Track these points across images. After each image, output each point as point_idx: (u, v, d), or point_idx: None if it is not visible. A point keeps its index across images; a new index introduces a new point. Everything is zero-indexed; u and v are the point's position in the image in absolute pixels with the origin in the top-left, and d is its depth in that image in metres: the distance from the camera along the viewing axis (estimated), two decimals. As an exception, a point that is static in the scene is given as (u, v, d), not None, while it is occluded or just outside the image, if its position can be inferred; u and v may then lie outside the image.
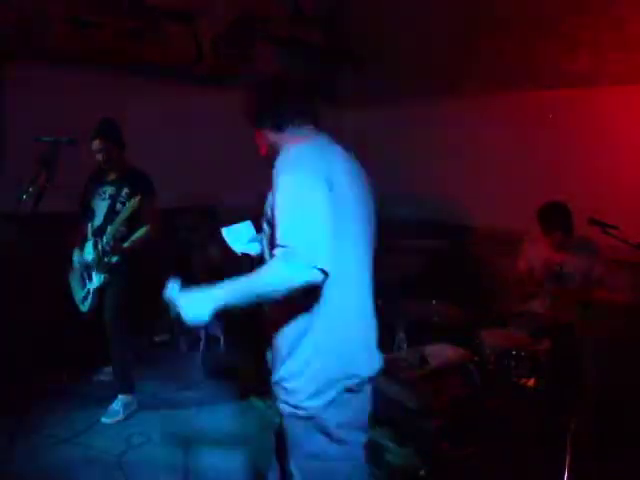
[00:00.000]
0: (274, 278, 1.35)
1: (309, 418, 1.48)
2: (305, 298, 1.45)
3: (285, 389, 1.50)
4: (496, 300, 3.85)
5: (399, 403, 2.52)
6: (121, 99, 3.96)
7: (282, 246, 1.35)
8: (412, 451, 2.48)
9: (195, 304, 1.40)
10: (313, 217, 1.38)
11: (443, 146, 4.73)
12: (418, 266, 3.17)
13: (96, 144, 3.16)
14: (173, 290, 1.47)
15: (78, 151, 2.46)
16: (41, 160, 2.20)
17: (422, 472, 2.41)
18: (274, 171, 1.47)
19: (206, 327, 1.52)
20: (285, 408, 1.50)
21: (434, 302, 3.34)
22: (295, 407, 1.48)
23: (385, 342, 3.14)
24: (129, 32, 4.32)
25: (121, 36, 4.28)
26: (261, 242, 1.66)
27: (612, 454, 2.67)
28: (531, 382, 2.79)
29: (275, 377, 1.53)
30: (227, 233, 1.86)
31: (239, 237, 1.87)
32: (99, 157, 3.19)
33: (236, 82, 4.82)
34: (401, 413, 2.52)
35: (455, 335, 3.05)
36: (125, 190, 3.21)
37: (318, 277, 1.35)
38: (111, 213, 3.17)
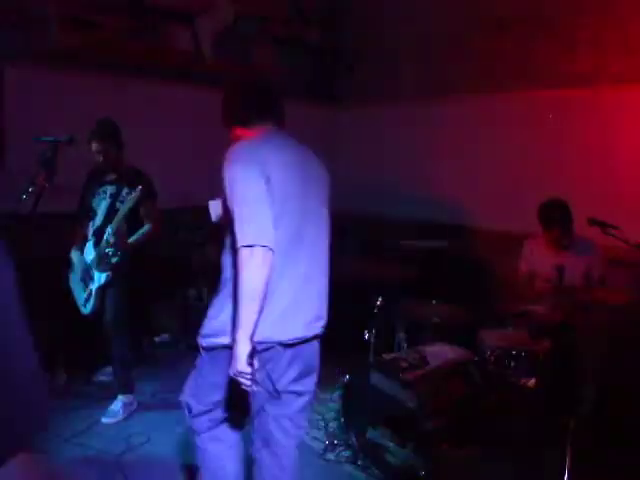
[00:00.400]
0: (251, 283, 1.60)
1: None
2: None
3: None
4: (496, 300, 3.84)
5: (399, 403, 2.52)
6: (121, 99, 3.96)
7: (243, 246, 1.60)
8: (412, 451, 2.47)
9: (240, 358, 1.61)
10: (248, 204, 1.64)
11: (443, 146, 4.74)
12: (418, 266, 3.17)
13: (94, 145, 3.15)
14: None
15: (78, 151, 2.46)
16: (41, 160, 2.20)
17: (422, 472, 2.41)
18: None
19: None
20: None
21: (434, 302, 3.34)
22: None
23: (385, 342, 3.16)
24: (129, 32, 4.32)
25: (121, 36, 4.27)
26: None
27: (612, 454, 2.67)
28: (531, 382, 2.78)
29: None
30: (212, 206, 2.00)
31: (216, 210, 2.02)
32: (98, 158, 3.19)
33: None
34: (401, 413, 2.52)
35: (455, 335, 3.05)
36: (125, 190, 3.20)
37: (266, 254, 1.61)
38: (111, 213, 3.17)
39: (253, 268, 1.58)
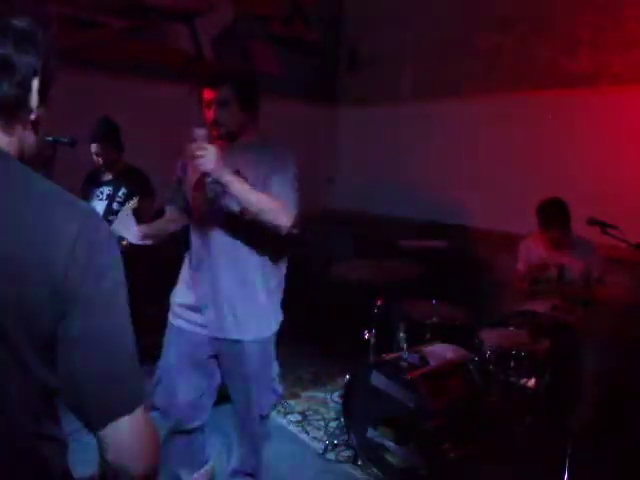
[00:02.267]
0: (275, 207, 1.89)
1: None
2: None
3: None
4: (496, 300, 3.84)
5: (399, 403, 2.52)
6: (121, 99, 3.96)
7: (286, 198, 1.95)
8: (412, 451, 2.47)
9: (218, 165, 1.77)
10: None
11: (443, 146, 4.74)
12: (418, 266, 3.16)
13: (95, 147, 3.14)
14: (204, 137, 1.79)
15: (78, 151, 2.46)
16: (41, 160, 2.20)
17: (422, 472, 2.40)
18: (275, 150, 2.07)
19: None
20: None
21: (434, 302, 3.34)
22: None
23: (385, 342, 3.15)
24: (129, 32, 4.32)
25: (121, 36, 4.27)
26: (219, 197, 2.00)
27: (612, 454, 2.67)
28: (531, 382, 2.78)
29: None
30: (116, 228, 2.05)
31: (127, 226, 2.10)
32: (98, 160, 3.18)
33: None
34: (401, 413, 2.52)
35: (455, 335, 3.05)
36: (122, 190, 3.20)
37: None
38: (109, 214, 3.17)
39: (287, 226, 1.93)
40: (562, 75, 3.95)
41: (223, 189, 1.85)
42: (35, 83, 0.80)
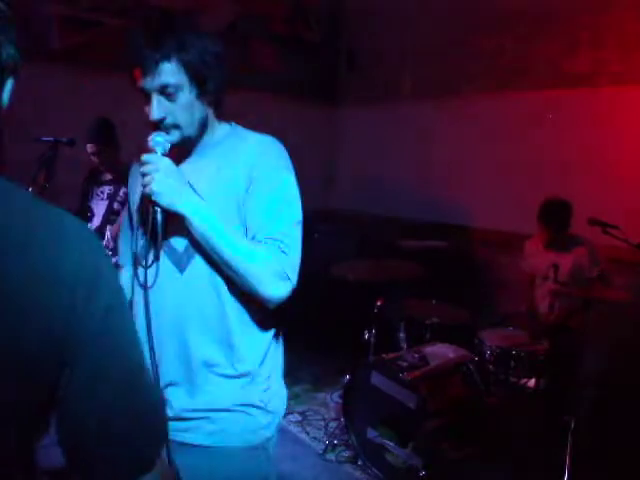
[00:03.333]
0: (253, 264, 1.19)
1: None
2: None
3: None
4: (496, 300, 3.85)
5: (399, 403, 2.52)
6: (121, 99, 3.95)
7: (276, 240, 1.23)
8: (412, 451, 2.47)
9: (173, 185, 1.20)
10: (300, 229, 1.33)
11: (443, 146, 4.74)
12: (418, 266, 3.17)
13: (90, 147, 3.14)
14: (160, 146, 1.23)
15: (78, 151, 2.46)
16: (41, 160, 2.20)
17: (422, 472, 2.41)
18: (256, 144, 1.32)
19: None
20: None
21: (434, 302, 3.35)
22: None
23: (385, 342, 3.15)
24: (129, 32, 4.32)
25: (121, 36, 4.27)
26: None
27: (612, 454, 2.67)
28: (531, 382, 2.79)
29: None
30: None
31: None
32: (94, 159, 3.19)
33: (236, 82, 4.83)
34: (401, 413, 2.52)
35: (455, 335, 3.05)
36: (123, 189, 3.20)
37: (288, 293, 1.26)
38: (110, 213, 3.17)
39: (266, 290, 1.22)
40: (562, 75, 3.95)
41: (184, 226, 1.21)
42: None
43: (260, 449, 1.32)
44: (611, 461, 2.63)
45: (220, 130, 1.37)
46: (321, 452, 2.89)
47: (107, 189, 3.24)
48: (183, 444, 1.26)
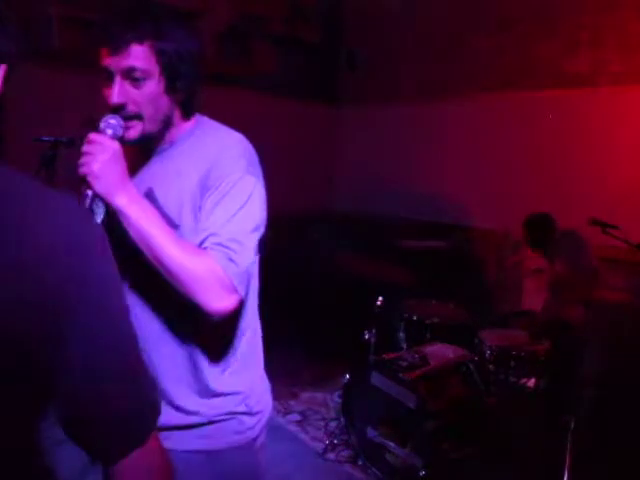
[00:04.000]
0: (197, 270, 1.06)
1: None
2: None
3: None
4: (496, 300, 3.85)
5: (399, 403, 2.52)
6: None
7: (226, 247, 1.09)
8: (412, 451, 2.47)
9: (116, 173, 1.07)
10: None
11: (443, 146, 4.73)
12: (418, 266, 3.17)
13: None
14: (112, 129, 1.09)
15: (78, 151, 2.46)
16: (41, 160, 2.20)
17: (422, 472, 2.40)
18: (218, 144, 1.20)
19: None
20: None
21: (434, 302, 3.35)
22: None
23: (385, 342, 3.15)
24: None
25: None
26: None
27: (612, 454, 2.67)
28: (531, 382, 2.79)
29: None
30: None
31: None
32: None
33: (236, 82, 4.83)
34: (401, 413, 2.52)
35: (455, 335, 3.05)
36: None
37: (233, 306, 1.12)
38: (110, 213, 3.16)
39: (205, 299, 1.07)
40: (562, 75, 3.95)
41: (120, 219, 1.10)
42: None
43: (246, 449, 1.28)
44: (611, 461, 2.63)
45: (183, 130, 1.23)
46: (321, 452, 2.89)
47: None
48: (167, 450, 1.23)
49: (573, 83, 3.89)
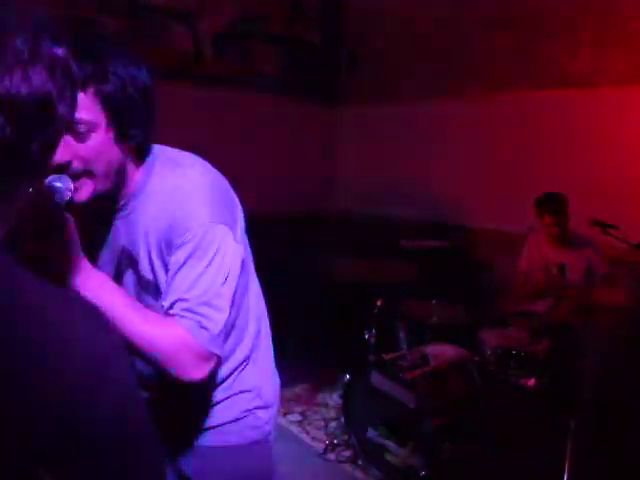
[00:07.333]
0: (166, 343, 1.00)
1: None
2: None
3: None
4: (496, 300, 3.84)
5: (399, 403, 2.52)
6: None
7: (196, 313, 1.02)
8: (412, 451, 2.48)
9: (64, 255, 0.93)
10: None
11: (443, 146, 4.73)
12: (418, 266, 3.17)
13: None
14: (59, 194, 0.94)
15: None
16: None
17: (422, 472, 2.41)
18: (178, 213, 1.06)
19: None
20: None
21: (434, 302, 3.35)
22: None
23: (385, 342, 3.15)
24: (129, 32, 4.32)
25: (121, 36, 4.27)
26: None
27: (612, 454, 2.67)
28: (531, 382, 2.79)
29: None
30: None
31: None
32: None
33: (236, 82, 4.83)
34: (401, 413, 2.52)
35: (455, 335, 3.05)
36: None
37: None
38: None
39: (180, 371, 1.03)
40: (563, 75, 3.95)
41: None
42: None
43: (262, 443, 1.30)
44: (611, 461, 2.63)
45: (138, 179, 1.10)
46: (321, 452, 2.89)
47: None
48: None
49: (575, 83, 3.88)
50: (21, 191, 0.57)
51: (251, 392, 1.28)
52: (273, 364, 1.40)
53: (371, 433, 2.67)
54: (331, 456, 2.87)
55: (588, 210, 2.88)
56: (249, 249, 1.28)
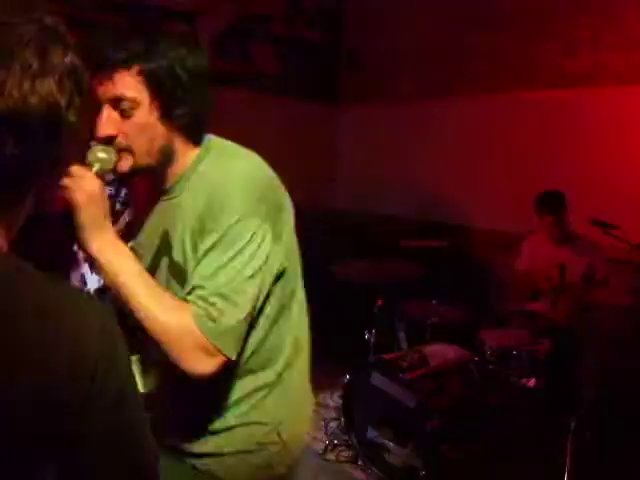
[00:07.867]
0: (170, 326, 0.97)
1: None
2: None
3: None
4: (496, 300, 3.84)
5: (399, 403, 2.52)
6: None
7: (208, 303, 0.99)
8: (412, 451, 2.47)
9: (96, 226, 1.02)
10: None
11: (443, 146, 4.73)
12: (418, 266, 3.17)
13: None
14: (99, 163, 1.04)
15: (80, 151, 2.46)
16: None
17: (422, 472, 2.41)
18: (218, 200, 1.04)
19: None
20: None
21: (434, 302, 3.35)
22: None
23: (385, 342, 3.15)
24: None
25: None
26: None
27: (612, 454, 2.67)
28: (531, 382, 2.79)
29: None
30: None
31: None
32: None
33: (236, 82, 4.83)
34: (401, 413, 2.52)
35: (455, 335, 3.05)
36: (124, 190, 3.20)
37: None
38: (111, 214, 3.16)
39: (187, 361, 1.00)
40: (562, 75, 3.95)
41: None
42: None
43: None
44: (611, 461, 2.63)
45: (187, 163, 1.10)
46: (321, 452, 2.89)
47: (108, 190, 3.24)
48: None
49: (574, 83, 3.88)
50: (28, 201, 0.62)
51: (267, 425, 1.15)
52: (308, 389, 1.28)
53: (371, 433, 2.67)
54: (331, 456, 2.86)
55: (588, 210, 2.88)
56: (297, 257, 1.19)
